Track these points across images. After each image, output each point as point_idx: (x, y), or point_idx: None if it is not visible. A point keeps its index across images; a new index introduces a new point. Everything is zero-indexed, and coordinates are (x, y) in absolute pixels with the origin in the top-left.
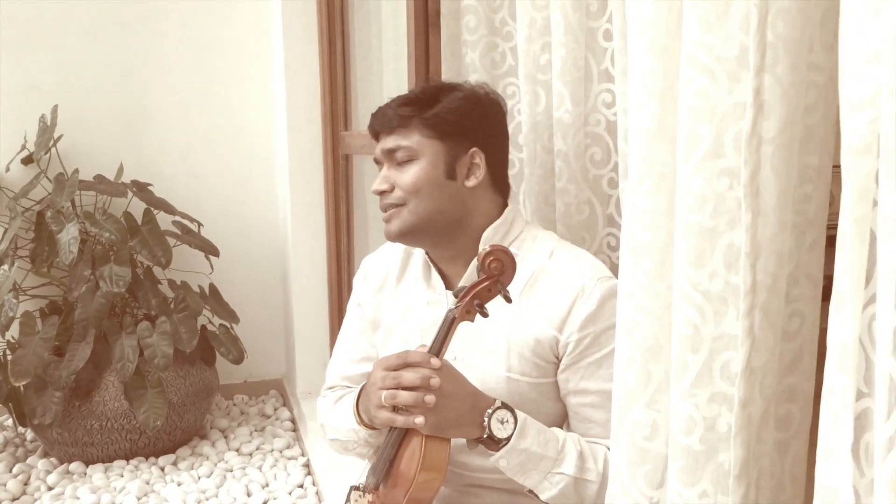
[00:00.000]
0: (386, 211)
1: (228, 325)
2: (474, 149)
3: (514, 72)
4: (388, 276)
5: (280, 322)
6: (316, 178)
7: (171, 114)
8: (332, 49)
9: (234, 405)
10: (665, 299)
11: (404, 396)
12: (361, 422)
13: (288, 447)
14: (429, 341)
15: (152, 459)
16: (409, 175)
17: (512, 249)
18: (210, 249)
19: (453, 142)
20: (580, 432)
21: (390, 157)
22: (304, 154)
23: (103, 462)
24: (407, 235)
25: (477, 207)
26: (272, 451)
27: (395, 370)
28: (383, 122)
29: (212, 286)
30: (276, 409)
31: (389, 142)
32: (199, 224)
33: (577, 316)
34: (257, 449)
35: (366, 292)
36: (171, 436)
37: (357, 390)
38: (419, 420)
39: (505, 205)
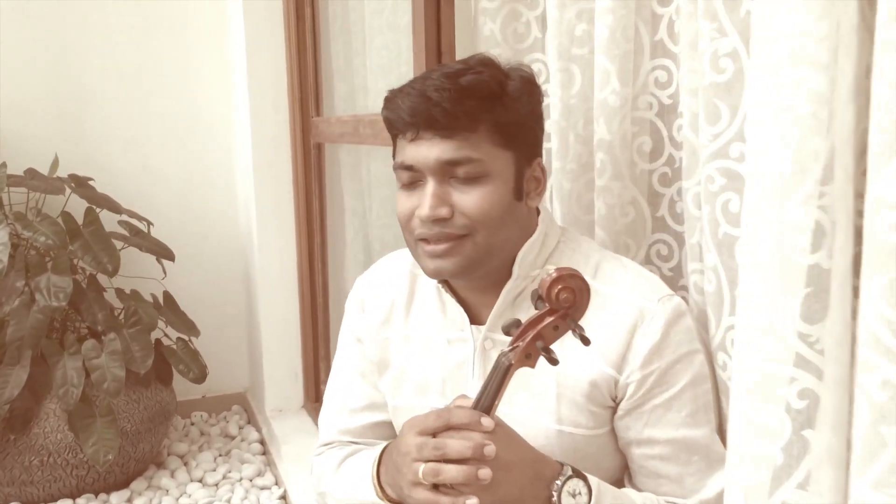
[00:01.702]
0: (437, 242)
1: (187, 339)
2: (538, 159)
3: (539, 46)
4: (393, 305)
5: (243, 331)
6: (284, 170)
7: (113, 98)
8: (301, 22)
9: (193, 424)
10: (827, 345)
11: (451, 473)
12: (385, 496)
13: (259, 475)
14: (454, 389)
15: (103, 496)
16: (477, 198)
17: (550, 268)
18: (163, 252)
19: (521, 152)
20: (649, 490)
21: (445, 171)
22: (270, 143)
23: (46, 502)
24: (466, 273)
25: (527, 226)
26: (241, 479)
27: (435, 434)
28: (432, 119)
29: (166, 294)
30: (241, 429)
31: (448, 150)
32: (150, 223)
33: (639, 349)
34: (224, 478)
35: (366, 326)
36: (125, 468)
37: (374, 453)
38: (472, 503)
39: (537, 211)
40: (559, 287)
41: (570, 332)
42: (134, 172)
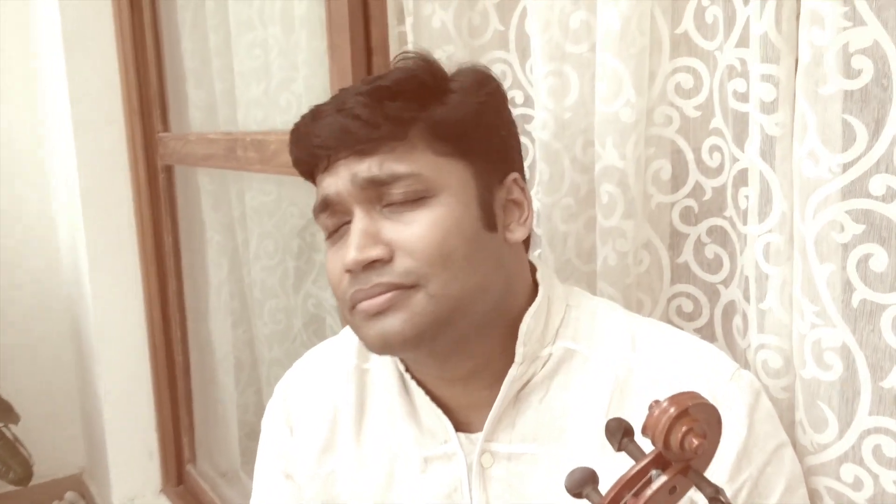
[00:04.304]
0: (374, 297)
1: (2, 426)
2: (514, 174)
3: (501, 41)
4: (336, 419)
5: (75, 402)
6: (122, 199)
7: None
8: (137, 13)
9: None
10: None
11: None
12: None
13: None
14: None
15: None
16: (422, 226)
17: (568, 345)
18: None
19: (484, 164)
20: None
21: (372, 196)
22: (102, 164)
23: None
24: (422, 338)
25: (514, 276)
26: None
27: None
28: (346, 134)
29: None
30: None
31: (371, 166)
32: None
33: (723, 454)
34: None
35: (299, 456)
36: None
37: None
38: None
39: (531, 266)
40: (685, 429)
41: (696, 489)
42: None
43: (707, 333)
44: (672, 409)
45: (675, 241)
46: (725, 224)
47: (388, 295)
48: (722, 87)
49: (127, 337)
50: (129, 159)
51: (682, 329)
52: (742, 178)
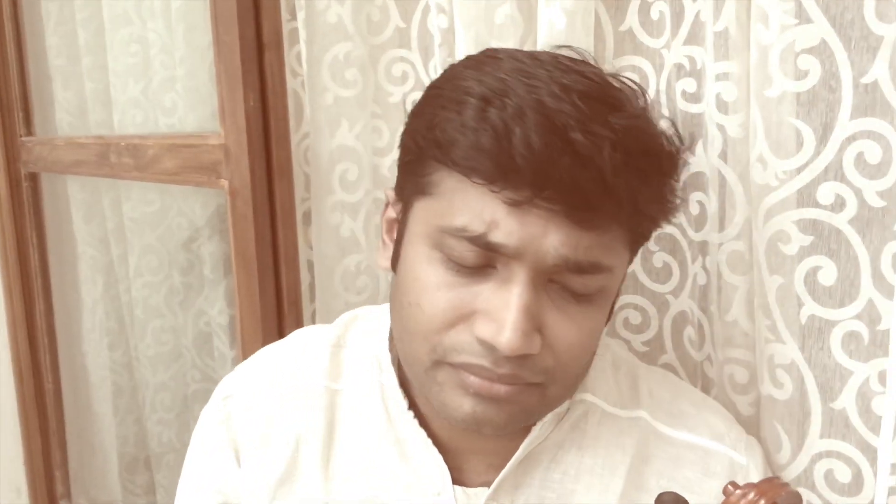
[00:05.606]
0: (498, 383)
1: None
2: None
3: (402, 39)
4: (298, 446)
5: None
6: None
7: None
8: None
9: None
10: None
11: None
12: None
13: None
14: None
15: None
16: (581, 330)
17: (587, 398)
18: None
19: (636, 252)
20: None
21: (553, 272)
22: None
23: None
24: (513, 429)
25: None
26: None
27: None
28: (576, 189)
29: None
30: None
31: (581, 245)
32: None
33: None
34: None
35: (248, 489)
36: None
37: None
38: None
39: None
40: None
41: None
42: None
43: (656, 346)
44: (762, 503)
45: None
46: (675, 231)
47: (515, 388)
48: (669, 86)
49: None
50: None
51: (629, 342)
52: (693, 183)
